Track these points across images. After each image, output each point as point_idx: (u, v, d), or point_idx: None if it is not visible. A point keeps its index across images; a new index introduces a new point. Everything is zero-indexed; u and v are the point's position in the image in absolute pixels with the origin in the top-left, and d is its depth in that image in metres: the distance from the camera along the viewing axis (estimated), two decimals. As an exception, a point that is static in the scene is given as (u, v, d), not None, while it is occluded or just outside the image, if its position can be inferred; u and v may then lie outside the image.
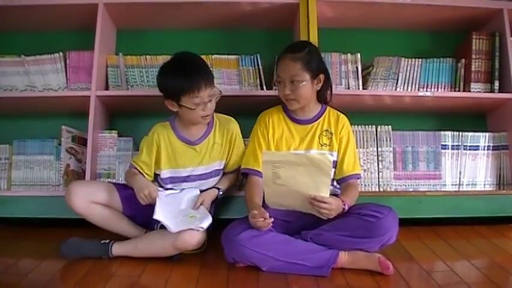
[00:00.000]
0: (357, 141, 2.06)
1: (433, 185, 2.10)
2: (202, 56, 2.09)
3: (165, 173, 1.75)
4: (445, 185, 2.11)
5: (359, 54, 2.13)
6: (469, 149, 2.14)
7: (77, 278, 1.39)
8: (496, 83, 2.15)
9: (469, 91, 2.14)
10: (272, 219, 1.45)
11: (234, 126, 1.79)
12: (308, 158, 1.43)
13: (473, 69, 2.15)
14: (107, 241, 1.57)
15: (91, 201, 1.61)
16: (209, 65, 2.08)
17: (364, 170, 2.07)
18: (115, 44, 2.34)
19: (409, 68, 2.15)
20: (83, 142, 2.11)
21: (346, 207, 1.50)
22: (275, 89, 1.70)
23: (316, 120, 1.72)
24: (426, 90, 2.15)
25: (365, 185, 2.07)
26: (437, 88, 2.17)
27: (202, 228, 1.49)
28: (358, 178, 1.69)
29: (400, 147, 2.12)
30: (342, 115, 1.75)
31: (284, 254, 1.43)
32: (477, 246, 1.76)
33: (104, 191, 1.65)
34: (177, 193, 1.72)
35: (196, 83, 1.57)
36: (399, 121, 2.24)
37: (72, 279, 1.38)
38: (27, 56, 2.11)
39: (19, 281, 1.39)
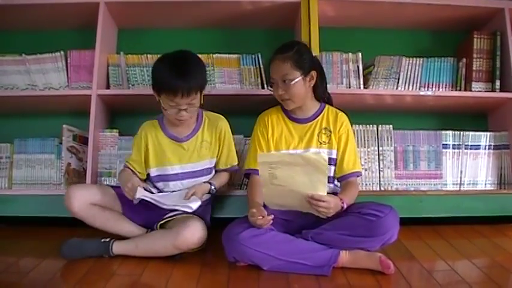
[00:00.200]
0: (358, 141, 2.06)
1: (434, 184, 2.10)
2: (204, 55, 2.11)
3: (153, 171, 1.74)
4: (446, 184, 2.11)
5: (360, 54, 2.13)
6: (470, 149, 2.14)
7: (77, 276, 1.39)
8: (497, 83, 2.15)
9: (470, 90, 2.14)
10: (272, 216, 1.45)
11: (223, 123, 1.78)
12: (303, 157, 1.42)
13: (474, 68, 2.15)
14: (108, 240, 1.57)
15: (90, 202, 1.61)
16: (210, 64, 2.11)
17: (365, 169, 2.07)
18: (116, 43, 2.34)
19: (410, 67, 2.15)
20: (84, 141, 2.11)
21: (345, 206, 1.50)
22: (270, 89, 1.70)
23: (315, 118, 1.72)
24: (427, 90, 2.15)
25: (366, 184, 2.07)
26: (439, 87, 2.17)
27: (191, 208, 1.50)
28: (358, 176, 1.69)
29: (401, 146, 2.12)
30: (340, 113, 1.75)
31: (285, 253, 1.43)
32: (478, 246, 1.76)
33: (103, 193, 1.66)
34: (166, 194, 1.73)
35: (175, 89, 1.54)
36: (400, 120, 2.24)
37: (73, 278, 1.39)
38: (28, 54, 2.11)
39: (20, 279, 1.39)
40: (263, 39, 2.36)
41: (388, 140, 2.10)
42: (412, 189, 2.09)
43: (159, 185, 1.76)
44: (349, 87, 2.12)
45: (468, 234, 1.91)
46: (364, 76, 2.14)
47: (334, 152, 1.69)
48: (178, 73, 1.55)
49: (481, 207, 1.99)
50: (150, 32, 2.35)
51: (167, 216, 1.63)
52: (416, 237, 1.84)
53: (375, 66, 2.13)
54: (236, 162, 1.81)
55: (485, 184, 2.13)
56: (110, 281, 1.36)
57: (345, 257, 1.44)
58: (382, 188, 2.07)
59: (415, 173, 2.10)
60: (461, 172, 2.13)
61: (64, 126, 2.05)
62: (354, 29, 2.37)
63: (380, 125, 2.11)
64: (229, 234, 1.46)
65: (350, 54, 2.13)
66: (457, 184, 2.12)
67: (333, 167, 1.68)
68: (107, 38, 2.17)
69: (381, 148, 2.10)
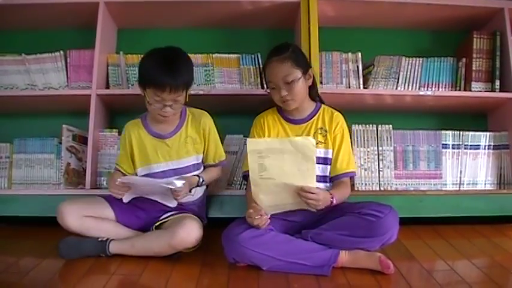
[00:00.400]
0: (357, 140, 2.06)
1: (434, 184, 2.10)
2: (204, 55, 2.11)
3: (140, 171, 1.73)
4: (445, 184, 2.11)
5: (360, 53, 2.13)
6: (470, 148, 2.14)
7: (77, 276, 1.39)
8: (497, 82, 2.15)
9: (470, 90, 2.14)
10: (269, 215, 1.45)
11: (207, 119, 1.76)
12: (291, 142, 1.43)
13: (474, 68, 2.15)
14: (104, 239, 1.57)
15: (83, 215, 1.60)
16: (210, 64, 2.10)
17: (365, 169, 2.07)
18: (116, 43, 2.34)
19: (409, 67, 2.15)
20: (83, 141, 2.11)
21: (334, 201, 1.51)
22: (267, 92, 1.69)
23: (311, 118, 1.72)
24: (427, 90, 2.15)
25: (366, 184, 2.07)
26: (438, 87, 2.17)
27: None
28: (351, 176, 1.69)
29: (401, 146, 2.12)
30: (336, 112, 1.74)
31: (284, 253, 1.43)
32: (478, 246, 1.76)
33: (94, 204, 1.66)
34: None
35: (162, 84, 1.54)
36: (400, 120, 2.24)
37: (72, 277, 1.39)
38: (28, 54, 2.11)
39: (20, 279, 1.39)
40: (263, 39, 2.35)
41: (387, 140, 2.10)
42: (412, 189, 2.09)
43: None
44: (349, 87, 2.12)
45: (468, 234, 1.91)
46: (363, 76, 2.14)
47: (331, 151, 1.68)
48: (168, 69, 1.55)
49: (480, 207, 1.99)
50: (150, 32, 2.35)
51: (163, 217, 1.63)
52: (416, 237, 1.84)
53: (374, 66, 2.13)
54: (224, 157, 1.81)
55: (485, 184, 2.13)
56: (110, 281, 1.36)
57: (344, 257, 1.44)
58: (382, 188, 2.07)
59: (415, 173, 2.10)
60: (461, 172, 2.13)
61: (64, 126, 2.05)
62: (354, 29, 2.37)
63: (380, 125, 2.11)
64: (229, 236, 1.46)
65: (350, 54, 2.13)
66: (456, 184, 2.12)
67: (329, 167, 1.68)
68: (106, 37, 2.17)
69: (380, 148, 2.10)
